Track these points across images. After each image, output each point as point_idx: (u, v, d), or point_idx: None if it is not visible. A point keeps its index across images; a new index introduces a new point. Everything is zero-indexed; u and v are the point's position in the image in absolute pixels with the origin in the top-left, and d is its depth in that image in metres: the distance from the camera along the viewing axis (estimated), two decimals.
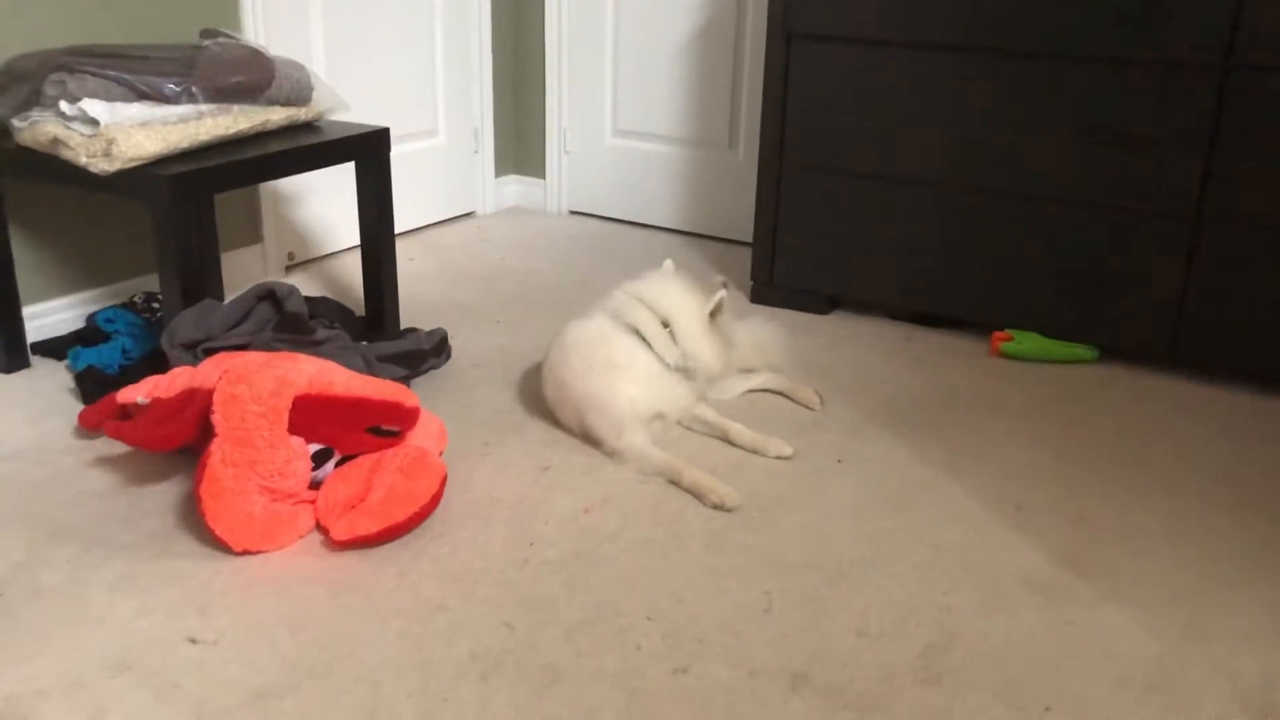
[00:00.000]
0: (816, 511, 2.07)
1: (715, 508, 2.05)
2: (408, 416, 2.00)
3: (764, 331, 2.68)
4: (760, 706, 1.55)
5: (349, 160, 2.56)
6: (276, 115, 2.47)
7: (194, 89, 2.30)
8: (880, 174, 2.89)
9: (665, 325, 2.31)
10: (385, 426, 2.01)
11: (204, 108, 2.33)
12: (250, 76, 2.42)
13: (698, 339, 2.33)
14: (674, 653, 1.66)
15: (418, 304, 3.03)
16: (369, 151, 2.57)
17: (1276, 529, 2.04)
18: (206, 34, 2.55)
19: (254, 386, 1.84)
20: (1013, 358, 2.79)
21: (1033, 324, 2.81)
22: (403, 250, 3.51)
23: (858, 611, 1.77)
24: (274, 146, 2.40)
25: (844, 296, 3.08)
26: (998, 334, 2.82)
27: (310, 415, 1.91)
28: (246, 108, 2.42)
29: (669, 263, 2.49)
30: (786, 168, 3.01)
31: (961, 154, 2.78)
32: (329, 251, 3.46)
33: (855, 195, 2.94)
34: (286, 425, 1.86)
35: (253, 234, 3.20)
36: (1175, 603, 1.82)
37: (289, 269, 3.32)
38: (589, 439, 2.28)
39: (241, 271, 3.09)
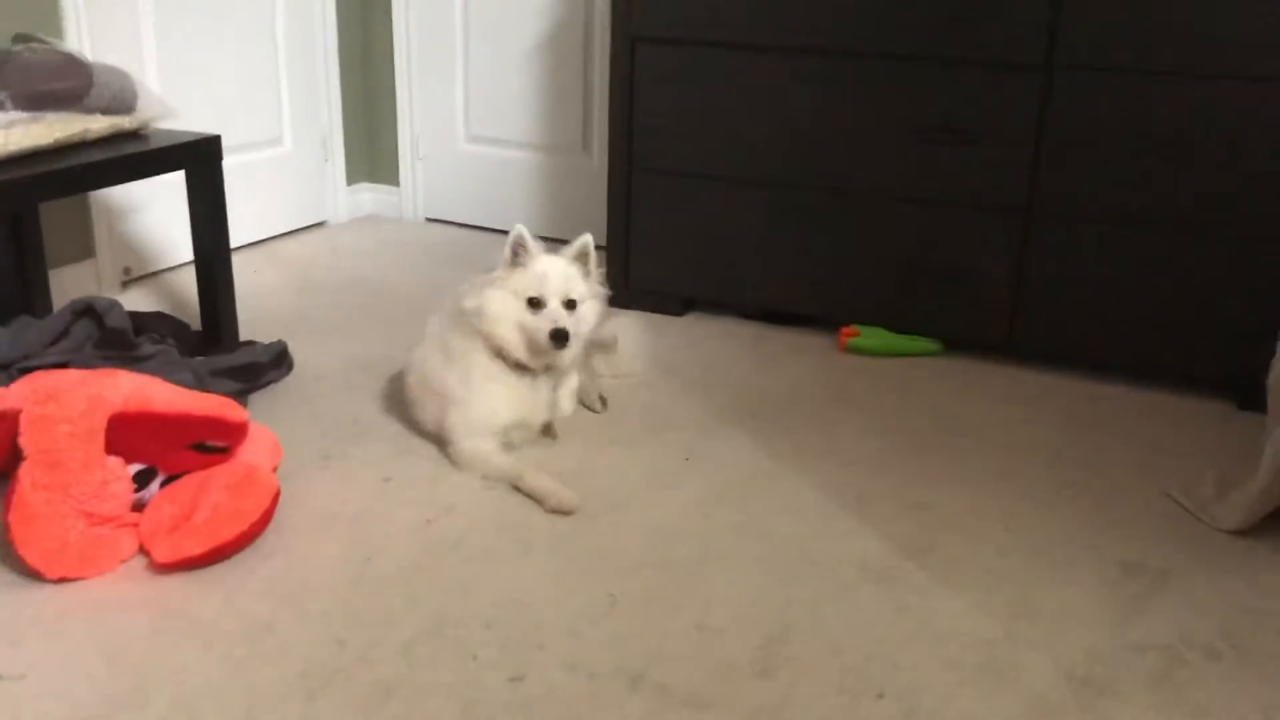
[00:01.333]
0: (663, 509, 2.07)
1: (554, 512, 2.03)
2: (234, 431, 1.93)
3: (622, 334, 2.68)
4: (597, 709, 1.53)
5: (177, 169, 2.46)
6: (97, 124, 2.36)
7: (2, 96, 2.18)
8: (726, 175, 2.92)
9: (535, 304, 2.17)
10: (211, 443, 1.94)
11: (15, 115, 2.21)
12: (65, 84, 2.31)
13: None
14: (512, 660, 1.63)
15: (261, 317, 2.94)
16: (198, 160, 2.48)
17: (1105, 509, 2.11)
18: (19, 39, 2.43)
19: (64, 405, 1.75)
20: (859, 352, 2.84)
21: (878, 319, 2.87)
22: (248, 262, 3.40)
23: (699, 608, 1.77)
24: (94, 156, 2.30)
25: (698, 297, 3.10)
26: (845, 330, 2.87)
27: (129, 433, 1.83)
28: (63, 116, 2.31)
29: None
30: (637, 171, 3.01)
31: (803, 154, 2.82)
32: (169, 265, 3.33)
33: (704, 197, 2.96)
34: (102, 445, 1.77)
35: (85, 248, 3.06)
36: (1006, 585, 1.86)
37: (125, 284, 3.19)
38: (440, 436, 2.23)
39: (74, 288, 2.95)
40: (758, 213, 2.91)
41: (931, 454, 2.32)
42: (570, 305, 2.18)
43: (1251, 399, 2.46)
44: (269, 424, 2.18)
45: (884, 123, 2.72)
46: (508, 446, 2.21)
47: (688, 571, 1.87)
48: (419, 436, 2.31)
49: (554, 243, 2.25)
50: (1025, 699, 1.58)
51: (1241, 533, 2.03)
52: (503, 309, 2.17)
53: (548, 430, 2.30)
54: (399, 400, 2.47)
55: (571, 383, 2.39)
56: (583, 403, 2.46)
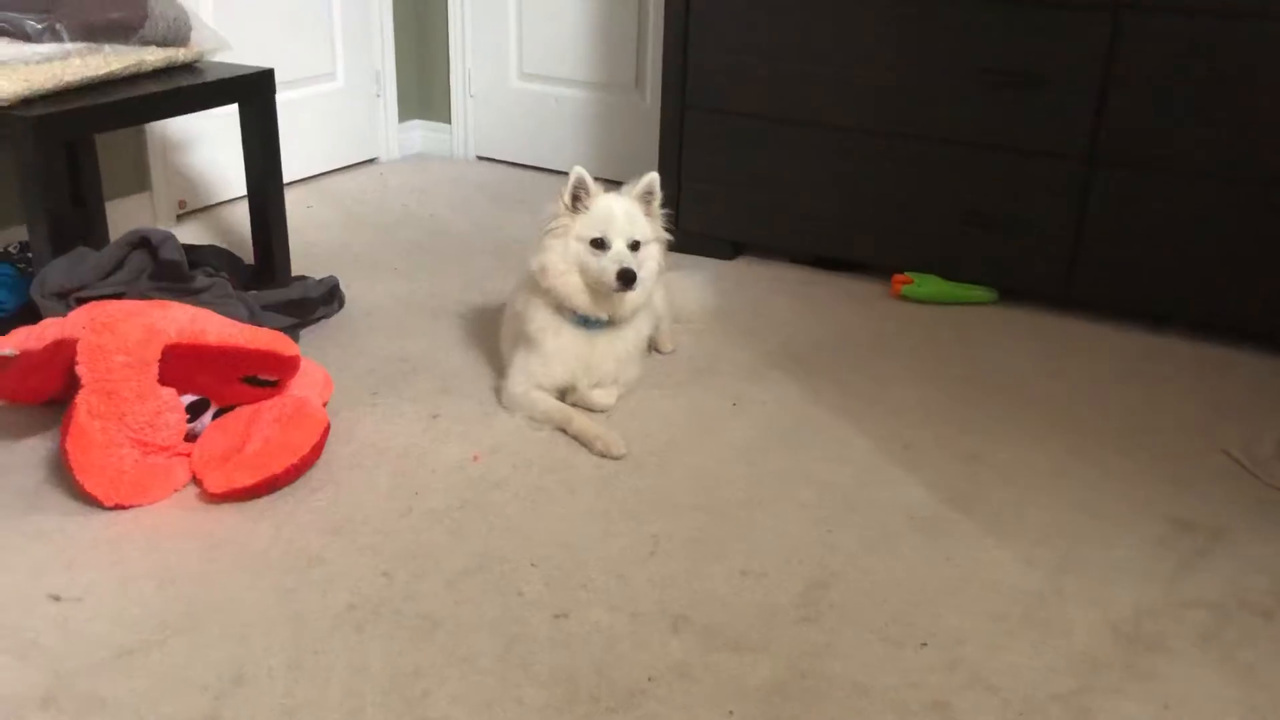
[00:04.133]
0: (708, 454, 2.06)
1: (601, 455, 2.03)
2: (286, 365, 1.95)
3: (686, 283, 2.65)
4: (639, 648, 1.54)
5: (230, 103, 2.47)
6: (152, 56, 2.36)
7: (58, 26, 2.19)
8: (781, 117, 2.87)
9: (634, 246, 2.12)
10: (264, 376, 1.96)
11: (70, 47, 2.22)
12: (121, 14, 2.31)
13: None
14: (556, 598, 1.64)
15: (312, 252, 2.96)
16: (252, 94, 2.48)
17: (1157, 463, 2.08)
18: None
19: (120, 336, 1.77)
20: (913, 300, 2.80)
21: (933, 266, 2.82)
22: (301, 197, 3.41)
23: (742, 552, 1.77)
24: (148, 88, 2.31)
25: (748, 241, 3.07)
26: (898, 276, 2.83)
27: (182, 365, 1.85)
28: (119, 48, 2.32)
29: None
30: (690, 111, 2.97)
31: (859, 96, 2.76)
32: (223, 199, 3.35)
33: (757, 139, 2.91)
34: (155, 375, 1.80)
35: (140, 181, 3.09)
36: (1054, 537, 1.84)
37: (180, 217, 3.21)
38: (504, 365, 2.25)
39: (130, 220, 2.98)
40: (812, 156, 2.86)
41: (983, 404, 2.29)
42: (634, 247, 2.11)
43: None
44: (318, 359, 2.20)
45: (946, 65, 2.65)
46: (560, 396, 2.20)
47: (732, 516, 1.87)
48: (467, 375, 2.32)
49: (606, 184, 2.21)
50: (1071, 653, 1.57)
51: None
52: (563, 259, 2.11)
53: (599, 388, 2.21)
54: (447, 339, 2.49)
55: (628, 345, 2.22)
56: (652, 346, 2.40)
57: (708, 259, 3.02)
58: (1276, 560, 1.80)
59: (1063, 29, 2.51)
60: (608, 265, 2.07)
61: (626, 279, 2.05)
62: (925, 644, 1.58)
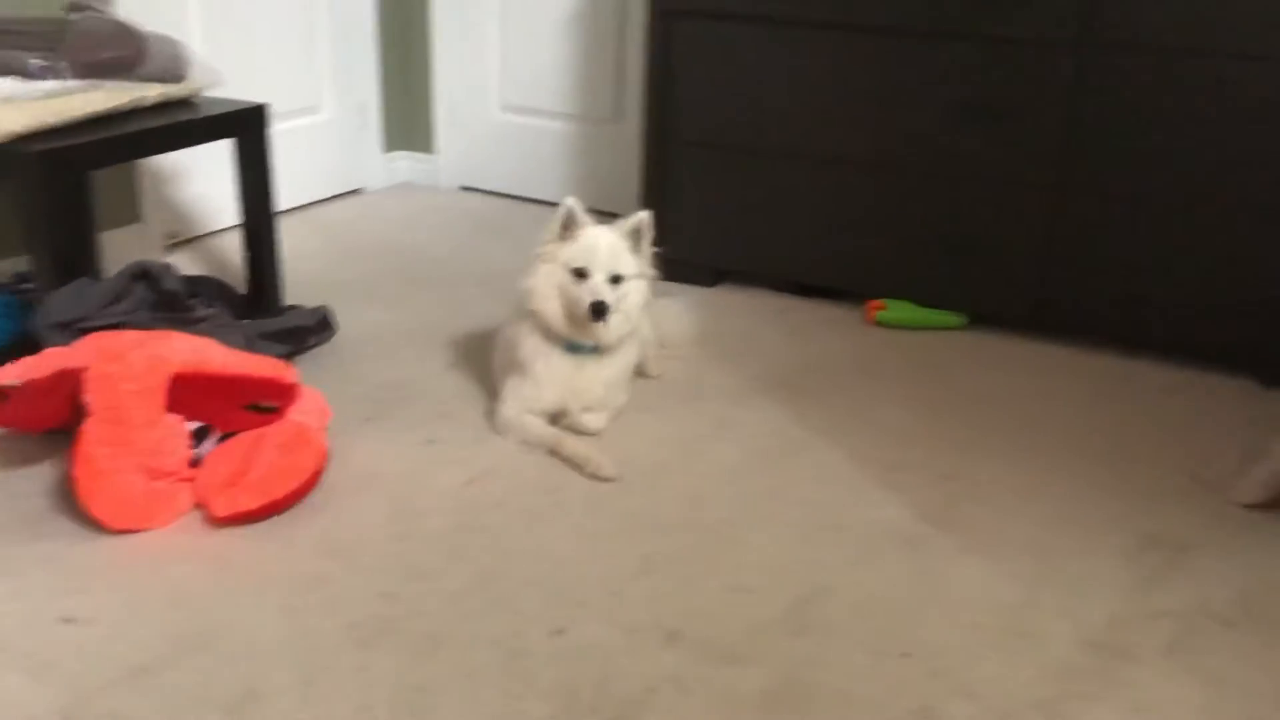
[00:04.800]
0: (696, 475, 2.14)
1: (592, 477, 2.09)
2: (287, 392, 2.01)
3: (671, 310, 2.73)
4: (636, 662, 1.61)
5: (226, 137, 2.53)
6: (151, 92, 2.43)
7: (60, 65, 2.25)
8: (760, 149, 2.96)
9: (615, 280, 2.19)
10: (265, 403, 2.02)
11: (72, 84, 2.28)
12: (121, 52, 2.38)
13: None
14: (554, 615, 1.71)
15: (302, 282, 3.01)
16: (247, 128, 2.55)
17: (1127, 482, 2.17)
18: (74, 7, 2.49)
19: (128, 365, 1.83)
20: (887, 325, 2.89)
21: (906, 292, 2.92)
22: (288, 227, 3.46)
23: (732, 569, 1.84)
24: (148, 123, 2.37)
25: (729, 269, 3.16)
26: (872, 302, 2.92)
27: (187, 393, 1.90)
28: (120, 84, 2.38)
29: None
30: (671, 143, 3.06)
31: (836, 128, 2.86)
32: (212, 230, 3.41)
33: (738, 169, 3.00)
34: (163, 403, 1.85)
35: (131, 212, 3.13)
36: (1029, 552, 1.92)
37: (170, 248, 3.26)
38: (496, 389, 2.33)
39: (121, 251, 3.01)
40: (791, 186, 2.96)
41: (958, 425, 2.37)
42: (616, 280, 2.19)
43: (1276, 377, 2.50)
44: (313, 386, 2.26)
45: (919, 99, 2.75)
46: (551, 420, 2.26)
47: (720, 535, 1.94)
48: (458, 401, 2.38)
49: (597, 214, 2.29)
50: (1045, 663, 1.65)
51: (1260, 508, 2.08)
52: (547, 284, 2.20)
53: (589, 413, 2.27)
54: (438, 365, 2.55)
55: (615, 370, 2.30)
56: (639, 371, 2.46)
57: (690, 286, 3.09)
58: (1238, 573, 1.88)
59: (1030, 65, 2.62)
60: (583, 295, 2.16)
61: (598, 311, 2.14)
62: (908, 654, 1.65)
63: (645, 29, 3.00)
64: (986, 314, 2.88)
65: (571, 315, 2.20)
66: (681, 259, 3.09)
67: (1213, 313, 2.61)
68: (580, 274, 2.18)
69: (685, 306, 2.81)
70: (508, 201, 3.93)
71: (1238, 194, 2.52)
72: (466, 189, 4.05)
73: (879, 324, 2.90)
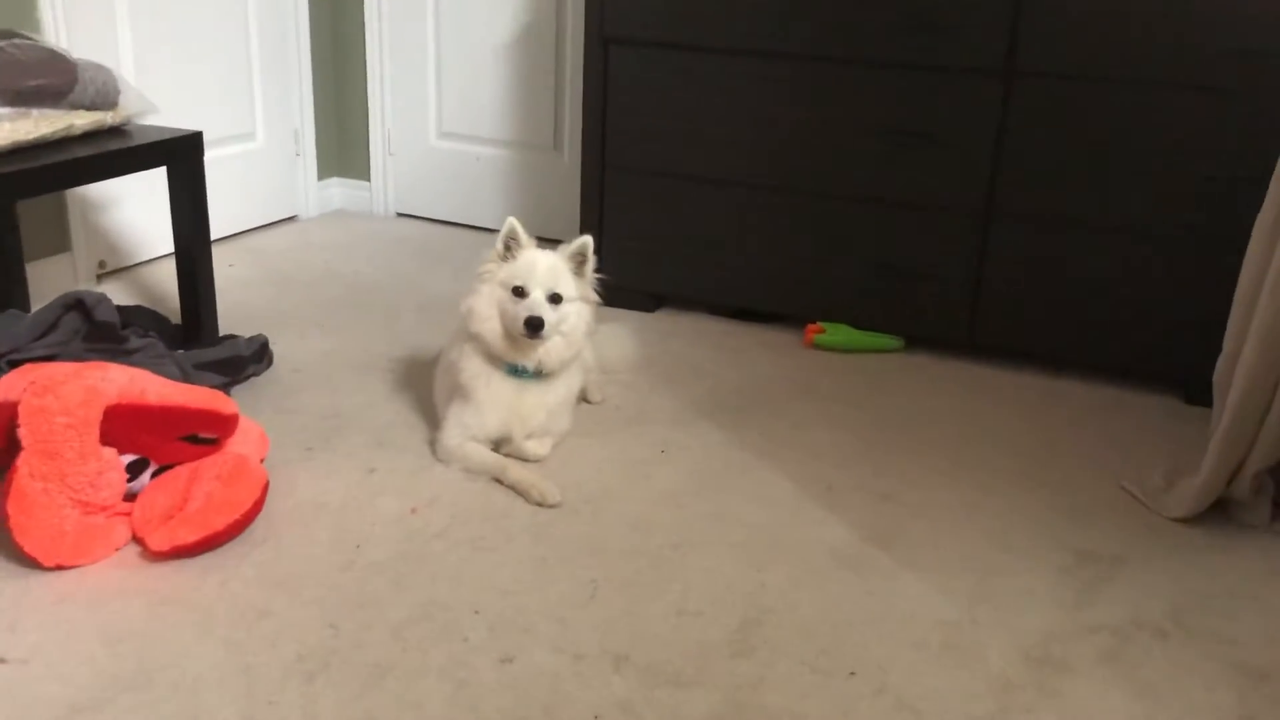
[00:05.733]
0: (640, 499, 2.14)
1: (537, 504, 2.09)
2: (225, 423, 1.98)
3: (612, 336, 2.74)
4: (583, 688, 1.61)
5: (159, 165, 2.50)
6: (81, 120, 2.39)
7: None
8: (697, 175, 3.00)
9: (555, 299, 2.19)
10: (202, 434, 1.99)
11: (0, 112, 2.24)
12: (50, 80, 2.34)
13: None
14: (500, 643, 1.70)
15: (238, 310, 2.98)
16: (181, 156, 2.52)
17: (1061, 499, 2.22)
18: (1, 35, 2.45)
19: (61, 397, 1.79)
20: (825, 348, 2.93)
21: (843, 316, 2.96)
22: (222, 256, 3.42)
23: (677, 592, 1.85)
24: (78, 152, 2.33)
25: (668, 294, 3.18)
26: (810, 326, 2.96)
27: (123, 425, 1.87)
28: (47, 112, 2.34)
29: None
30: (609, 170, 3.08)
31: (772, 155, 2.91)
32: (144, 259, 3.35)
33: (675, 196, 3.03)
34: (97, 436, 1.82)
35: (60, 242, 3.08)
36: (968, 569, 1.96)
37: (101, 277, 3.21)
38: (438, 416, 2.32)
39: (49, 282, 2.97)
40: (728, 212, 2.99)
41: (896, 446, 2.41)
42: (556, 300, 2.19)
43: (1198, 394, 2.58)
44: (251, 416, 2.23)
45: (851, 126, 2.81)
46: (494, 447, 2.26)
47: (665, 559, 1.95)
48: (399, 429, 2.37)
49: (541, 240, 2.30)
50: (986, 676, 1.68)
51: (1188, 521, 2.14)
52: (488, 304, 2.21)
53: (532, 439, 2.27)
54: (377, 393, 2.54)
55: (558, 396, 2.30)
56: (582, 397, 2.48)
57: (631, 311, 3.11)
58: (1170, 585, 1.94)
59: (958, 93, 2.69)
60: (520, 312, 2.15)
61: (533, 326, 2.14)
62: (853, 673, 1.67)
63: (583, 56, 3.02)
64: (923, 336, 2.94)
65: (510, 334, 2.20)
66: (621, 285, 3.11)
67: (1137, 333, 2.69)
68: (519, 292, 2.18)
69: (626, 332, 2.83)
70: (446, 228, 3.92)
71: (1158, 218, 2.60)
72: (403, 216, 4.03)
73: (817, 347, 2.94)
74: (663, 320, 3.12)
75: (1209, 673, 1.71)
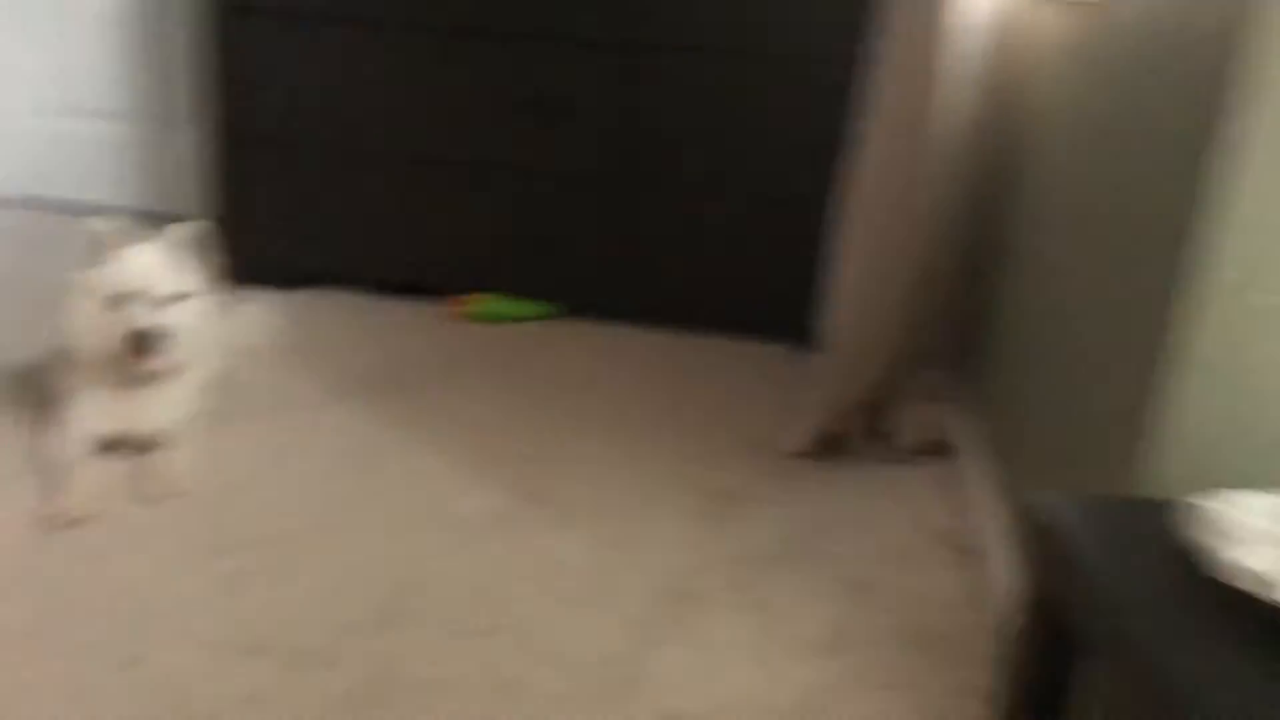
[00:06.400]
0: (280, 485, 2.09)
1: (164, 497, 1.99)
2: None
3: (247, 316, 2.61)
4: (216, 681, 1.55)
5: None
6: None
7: None
8: (333, 147, 2.93)
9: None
10: None
11: None
12: None
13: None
14: (127, 646, 1.61)
15: None
16: None
17: (691, 446, 2.36)
18: None
19: None
20: (473, 320, 2.96)
21: (491, 287, 3.00)
22: None
23: (319, 574, 1.82)
24: None
25: (310, 272, 3.09)
26: (457, 298, 2.98)
27: None
28: None
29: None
30: (242, 143, 2.95)
31: (406, 126, 2.89)
32: None
33: (312, 169, 2.95)
34: None
35: None
36: (609, 520, 2.06)
37: None
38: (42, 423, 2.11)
39: None
40: (367, 185, 2.95)
41: (544, 411, 2.48)
42: (166, 301, 1.94)
43: (803, 341, 2.81)
44: None
45: (483, 95, 2.84)
46: (110, 453, 2.09)
47: (306, 543, 1.91)
48: (7, 438, 2.17)
49: (155, 219, 2.14)
50: (623, 617, 1.77)
51: (802, 456, 2.35)
52: (84, 318, 1.95)
53: (154, 442, 2.10)
54: None
55: (181, 393, 2.11)
56: (213, 383, 2.25)
57: (269, 290, 3.00)
58: (784, 516, 2.12)
59: (583, 64, 2.78)
60: (121, 327, 1.91)
61: (140, 342, 1.90)
62: (495, 632, 1.72)
63: (211, 24, 2.86)
64: (570, 303, 3.03)
65: (113, 349, 1.94)
66: (258, 262, 3.00)
67: (754, 289, 2.90)
68: (118, 302, 1.92)
69: (264, 311, 2.73)
70: (58, 214, 3.60)
71: (769, 181, 2.81)
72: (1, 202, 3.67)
73: (465, 319, 2.96)
74: (304, 298, 3.03)
75: (819, 588, 1.90)
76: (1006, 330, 2.17)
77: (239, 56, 2.87)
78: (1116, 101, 1.58)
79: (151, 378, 2.01)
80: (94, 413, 2.03)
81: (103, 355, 1.96)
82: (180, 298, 1.98)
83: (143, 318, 1.92)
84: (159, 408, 2.09)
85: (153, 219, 2.13)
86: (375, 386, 2.54)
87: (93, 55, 3.48)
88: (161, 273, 1.96)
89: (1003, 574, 1.82)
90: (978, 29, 2.15)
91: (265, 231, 2.99)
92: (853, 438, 2.40)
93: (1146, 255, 1.29)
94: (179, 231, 2.02)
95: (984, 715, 1.59)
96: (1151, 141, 1.36)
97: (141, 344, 1.91)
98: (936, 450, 2.39)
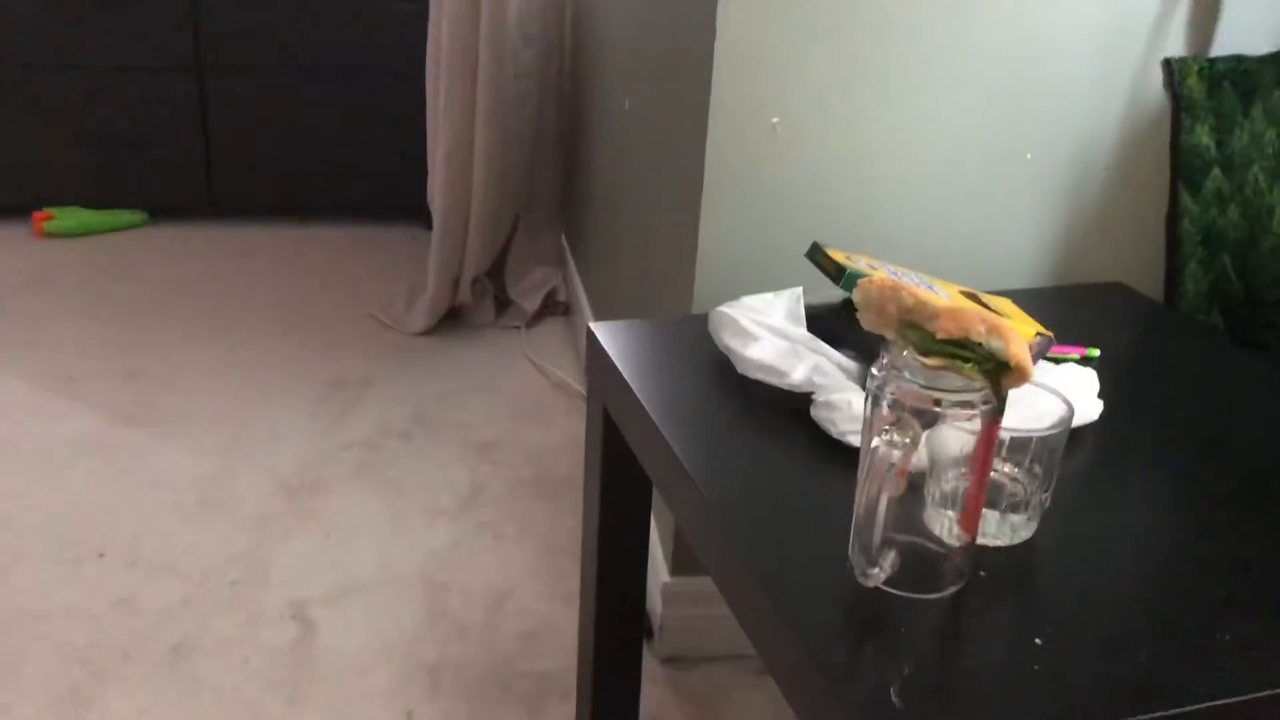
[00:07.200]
0: None
1: None
2: None
3: None
4: None
5: None
6: None
7: None
8: None
9: None
10: None
11: None
12: None
13: None
14: None
15: None
16: None
17: (312, 338, 2.30)
18: None
19: None
20: (59, 235, 2.71)
21: (76, 198, 2.75)
22: None
23: None
24: None
25: None
26: (38, 214, 2.71)
27: None
28: None
29: None
30: None
31: None
32: None
33: None
34: None
35: None
36: (223, 425, 1.98)
37: None
38: None
39: None
40: None
41: (144, 324, 2.33)
42: None
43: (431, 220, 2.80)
44: None
45: None
46: None
47: None
48: None
49: None
50: (243, 518, 1.72)
51: (428, 333, 2.34)
52: None
53: None
54: None
55: None
56: None
57: None
58: (413, 392, 2.12)
59: None
60: None
61: None
62: (103, 554, 1.62)
63: None
64: (163, 207, 2.83)
65: None
66: None
67: (372, 171, 2.82)
68: None
69: None
70: None
71: (365, 64, 2.71)
72: None
73: (50, 235, 2.70)
74: None
75: (446, 457, 1.92)
76: (595, 186, 2.24)
77: None
78: None
79: None
80: None
81: None
82: None
83: None
84: None
85: None
86: None
87: None
88: None
89: None
90: None
91: None
92: (475, 308, 2.42)
93: (683, 90, 1.36)
94: None
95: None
96: None
97: None
98: (557, 311, 2.46)
